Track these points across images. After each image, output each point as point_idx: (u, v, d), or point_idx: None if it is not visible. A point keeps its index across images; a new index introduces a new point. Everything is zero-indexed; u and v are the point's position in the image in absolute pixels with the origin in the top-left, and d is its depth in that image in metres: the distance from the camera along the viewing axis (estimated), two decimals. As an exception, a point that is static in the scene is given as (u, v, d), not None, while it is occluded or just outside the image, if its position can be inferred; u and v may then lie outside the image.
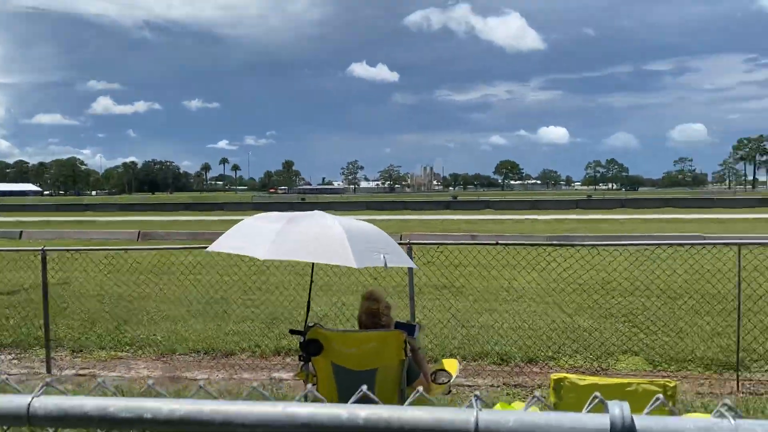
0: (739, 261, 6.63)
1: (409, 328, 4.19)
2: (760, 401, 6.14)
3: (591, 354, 7.47)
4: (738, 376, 6.65)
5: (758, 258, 7.67)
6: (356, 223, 4.15)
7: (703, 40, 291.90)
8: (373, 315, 4.06)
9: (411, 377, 4.04)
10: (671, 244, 9.08)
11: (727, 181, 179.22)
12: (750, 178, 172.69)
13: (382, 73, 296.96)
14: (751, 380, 6.81)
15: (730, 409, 1.15)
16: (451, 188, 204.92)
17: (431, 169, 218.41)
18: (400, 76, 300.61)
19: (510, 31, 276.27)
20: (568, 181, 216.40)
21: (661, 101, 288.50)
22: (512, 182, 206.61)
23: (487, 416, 1.10)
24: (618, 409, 1.08)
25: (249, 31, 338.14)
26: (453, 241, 7.71)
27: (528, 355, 7.43)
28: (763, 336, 7.42)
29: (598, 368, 7.09)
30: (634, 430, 1.06)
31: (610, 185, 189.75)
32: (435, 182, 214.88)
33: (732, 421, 1.06)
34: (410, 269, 6.72)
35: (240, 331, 8.66)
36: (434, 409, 1.12)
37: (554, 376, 3.40)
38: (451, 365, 4.68)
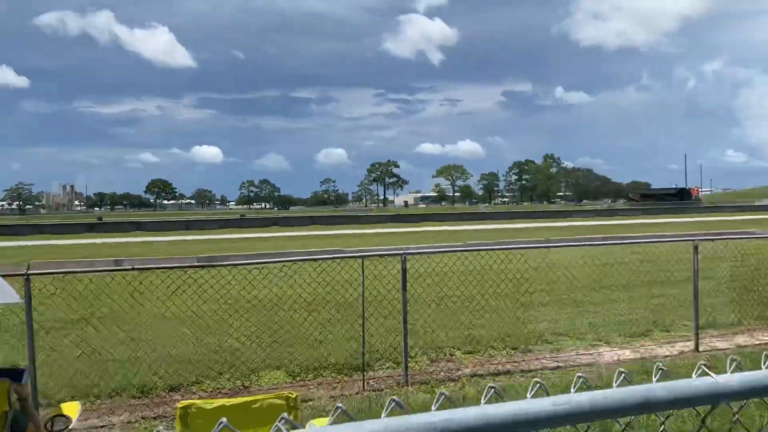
0: (363, 271, 7.45)
1: (14, 374, 3.62)
2: (381, 396, 6.95)
3: (236, 373, 7.53)
4: (364, 375, 7.44)
5: (378, 267, 8.72)
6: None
7: (342, 74, 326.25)
8: None
9: (19, 429, 3.51)
10: (313, 259, 9.78)
11: (364, 200, 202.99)
12: (382, 197, 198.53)
13: (7, 76, 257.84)
14: (375, 378, 7.69)
15: (285, 420, 1.20)
16: (96, 209, 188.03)
17: (72, 187, 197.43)
18: (31, 82, 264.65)
19: (158, 45, 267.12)
20: (223, 201, 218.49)
21: (308, 126, 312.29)
22: (165, 202, 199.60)
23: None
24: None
25: None
26: (84, 270, 6.96)
27: (170, 384, 7.13)
28: (383, 336, 8.45)
29: (242, 387, 7.18)
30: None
31: (263, 204, 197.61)
32: (77, 202, 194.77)
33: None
34: (28, 306, 5.86)
35: None
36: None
37: (180, 404, 3.27)
38: (72, 408, 4.19)
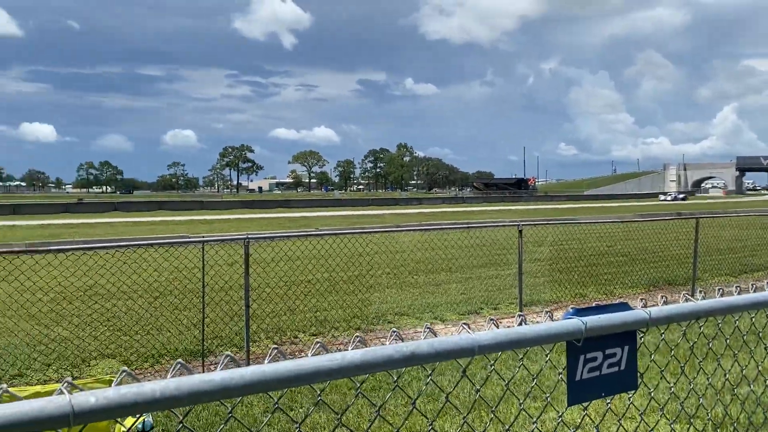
0: (203, 256, 7.36)
1: None
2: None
3: (65, 363, 7.13)
4: (203, 361, 7.37)
5: (219, 253, 8.66)
6: None
7: (192, 52, 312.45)
8: None
9: None
10: (151, 245, 9.44)
11: (216, 185, 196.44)
12: (235, 182, 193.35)
13: None
14: (215, 363, 7.63)
15: (70, 385, 1.27)
16: None
17: None
18: None
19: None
20: (59, 184, 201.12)
21: (154, 106, 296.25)
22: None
23: None
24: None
25: None
26: None
27: (-12, 378, 6.60)
28: (224, 322, 8.40)
29: (70, 377, 6.82)
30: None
31: (104, 188, 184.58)
32: None
33: (68, 396, 1.17)
34: None
35: None
36: None
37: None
38: None
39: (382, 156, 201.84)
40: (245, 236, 7.64)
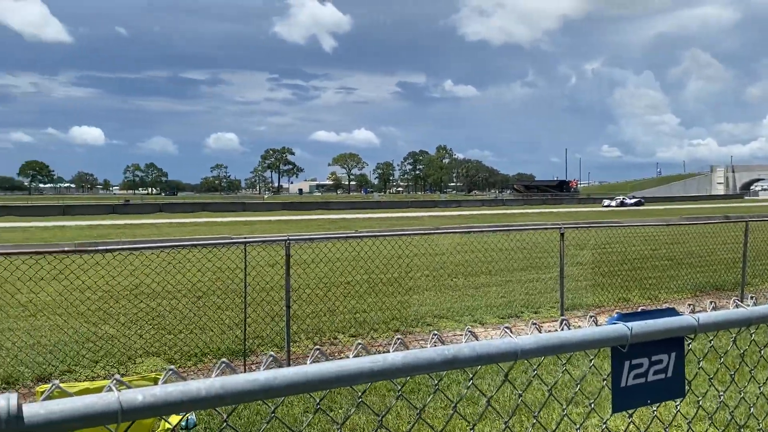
0: (246, 257, 7.46)
1: None
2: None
3: (112, 361, 7.33)
4: (245, 360, 7.48)
5: (261, 254, 8.76)
6: None
7: (234, 56, 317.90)
8: None
9: None
10: (195, 245, 9.63)
11: (257, 187, 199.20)
12: (276, 184, 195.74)
13: None
14: (257, 363, 7.73)
15: (117, 381, 1.31)
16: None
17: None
18: None
19: (30, 16, 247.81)
20: (107, 185, 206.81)
21: (197, 109, 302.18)
22: (42, 185, 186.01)
23: None
24: (4, 401, 1.10)
25: None
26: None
27: (39, 373, 6.82)
28: (265, 322, 8.51)
29: (117, 374, 7.00)
30: (21, 417, 1.10)
31: (149, 190, 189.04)
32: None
33: (116, 393, 1.20)
34: None
35: None
36: None
37: (40, 387, 3.22)
38: None
39: (421, 158, 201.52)
40: (286, 237, 7.72)
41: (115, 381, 1.26)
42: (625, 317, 1.92)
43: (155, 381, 3.41)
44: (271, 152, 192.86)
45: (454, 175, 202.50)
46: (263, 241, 8.33)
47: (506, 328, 1.75)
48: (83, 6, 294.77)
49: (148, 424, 3.27)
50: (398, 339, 1.60)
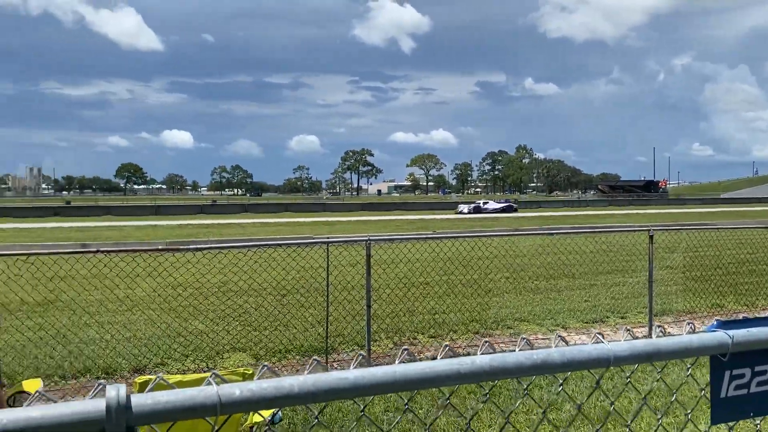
0: (328, 257, 7.60)
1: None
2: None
3: (201, 355, 7.64)
4: (327, 358, 7.62)
5: (343, 254, 8.92)
6: None
7: (315, 60, 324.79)
8: None
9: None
10: (280, 245, 9.91)
11: (337, 188, 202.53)
12: (356, 185, 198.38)
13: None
14: (338, 360, 7.87)
15: (216, 375, 1.36)
16: (65, 192, 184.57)
17: (39, 170, 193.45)
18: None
19: (126, 27, 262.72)
20: (195, 186, 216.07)
21: (280, 112, 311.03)
22: (136, 186, 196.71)
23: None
24: (114, 391, 1.17)
25: None
26: (47, 251, 6.98)
27: (135, 365, 7.21)
28: (346, 321, 8.64)
29: (206, 368, 7.30)
30: (129, 407, 1.17)
31: (235, 191, 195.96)
32: (45, 185, 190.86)
33: (215, 387, 1.26)
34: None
35: None
36: None
37: (139, 378, 3.40)
38: (33, 385, 4.30)
39: (500, 158, 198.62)
40: (367, 238, 7.81)
41: (213, 375, 1.32)
42: (724, 325, 1.82)
43: (243, 376, 3.54)
44: (350, 154, 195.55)
45: (535, 175, 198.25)
46: (345, 241, 8.46)
47: (598, 334, 1.69)
48: (174, 15, 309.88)
49: (238, 417, 3.40)
50: (485, 342, 1.59)
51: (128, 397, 1.18)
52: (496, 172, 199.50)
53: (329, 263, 7.76)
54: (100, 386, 1.34)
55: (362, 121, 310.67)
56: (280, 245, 7.93)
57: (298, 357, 7.93)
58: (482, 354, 1.56)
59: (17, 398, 4.15)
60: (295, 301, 9.54)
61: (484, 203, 64.26)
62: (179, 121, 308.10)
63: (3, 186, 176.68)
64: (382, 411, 5.65)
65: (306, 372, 1.38)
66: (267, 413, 3.68)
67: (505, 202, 68.28)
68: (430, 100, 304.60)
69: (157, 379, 1.40)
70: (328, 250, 7.81)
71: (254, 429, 3.94)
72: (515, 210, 63.07)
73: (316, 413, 1.57)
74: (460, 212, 61.18)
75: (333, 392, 1.35)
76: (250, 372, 3.57)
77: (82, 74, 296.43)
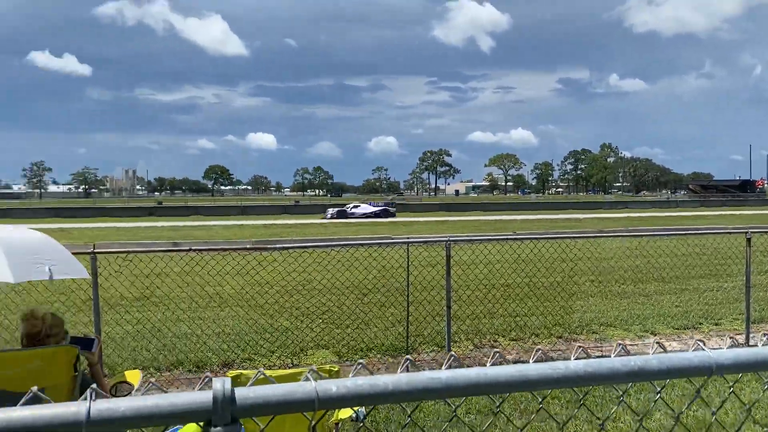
0: (408, 257, 7.64)
1: (85, 342, 3.97)
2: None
3: (286, 351, 7.87)
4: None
5: (423, 254, 8.95)
6: (17, 232, 3.79)
7: (394, 62, 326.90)
8: (35, 336, 3.74)
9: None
10: (358, 245, 10.05)
11: (415, 189, 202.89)
12: (433, 186, 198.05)
13: (71, 64, 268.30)
14: (419, 360, 7.89)
15: (313, 371, 1.41)
16: (157, 193, 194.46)
17: (134, 172, 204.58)
18: (93, 69, 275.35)
19: (213, 34, 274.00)
20: (278, 187, 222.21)
21: (360, 114, 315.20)
22: (223, 187, 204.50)
23: (98, 406, 1.17)
24: (220, 384, 1.24)
25: None
26: (145, 249, 7.40)
27: (224, 360, 7.51)
28: (427, 321, 8.65)
29: (291, 365, 7.51)
30: (234, 399, 1.23)
31: (317, 191, 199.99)
32: (139, 186, 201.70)
33: (313, 383, 1.30)
34: (94, 282, 6.29)
35: None
36: (42, 406, 1.15)
37: (230, 373, 3.55)
38: (134, 376, 4.54)
39: (583, 157, 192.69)
40: (447, 238, 7.80)
41: (311, 371, 1.36)
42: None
43: (329, 373, 3.62)
44: (428, 154, 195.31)
45: (620, 174, 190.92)
46: (425, 242, 8.48)
47: (699, 341, 1.63)
48: (258, 21, 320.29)
49: (318, 415, 3.49)
50: (579, 348, 1.56)
51: (233, 390, 1.24)
52: (579, 172, 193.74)
53: (409, 263, 7.81)
54: (207, 379, 1.43)
55: (440, 121, 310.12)
56: (361, 245, 8.05)
57: (378, 355, 8.01)
58: (576, 359, 1.54)
59: (119, 388, 4.40)
60: (376, 300, 9.64)
61: (354, 207, 56.71)
62: (263, 123, 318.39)
63: (102, 187, 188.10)
64: (464, 413, 5.63)
65: (399, 370, 1.41)
66: (349, 411, 3.75)
67: (383, 205, 59.45)
68: (510, 98, 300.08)
69: (258, 373, 1.46)
70: (408, 250, 7.85)
71: (338, 425, 4.02)
72: (393, 215, 55.15)
73: (409, 412, 1.59)
74: (326, 218, 52.81)
75: (425, 392, 1.37)
76: (336, 369, 3.65)
77: (173, 80, 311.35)
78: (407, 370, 1.47)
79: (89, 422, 1.16)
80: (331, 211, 54.42)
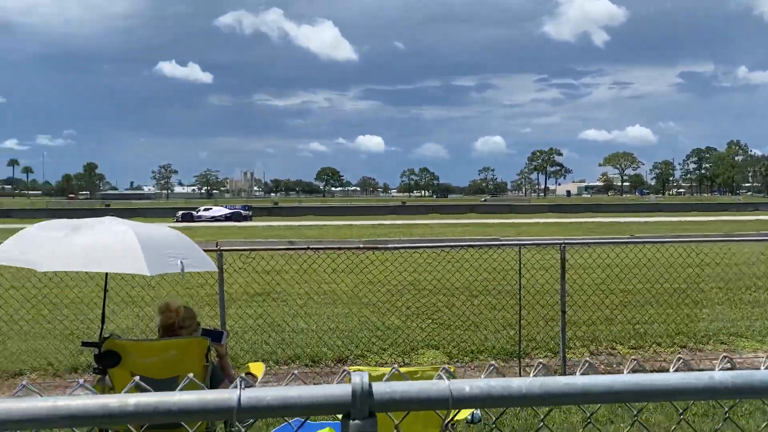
0: (520, 260, 7.50)
1: (215, 334, 4.22)
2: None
3: (397, 350, 7.96)
4: (520, 362, 7.52)
5: (535, 257, 8.73)
6: (154, 228, 4.09)
7: (502, 60, 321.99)
8: (170, 327, 4.03)
9: (216, 383, 4.07)
10: (469, 246, 9.98)
11: (523, 189, 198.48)
12: (543, 186, 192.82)
13: (194, 73, 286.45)
14: (531, 365, 7.72)
15: (447, 372, 1.43)
16: (272, 194, 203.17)
17: (252, 174, 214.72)
18: (214, 77, 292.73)
19: (324, 40, 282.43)
20: (386, 188, 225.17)
21: (466, 114, 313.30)
22: (333, 188, 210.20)
23: (248, 394, 1.25)
24: (358, 378, 1.28)
25: (44, 20, 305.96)
26: (265, 247, 7.76)
27: (338, 356, 7.72)
28: (539, 326, 8.44)
29: (402, 363, 7.59)
30: (371, 393, 1.27)
31: (423, 192, 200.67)
32: (256, 188, 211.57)
33: (446, 382, 1.32)
34: (220, 277, 6.67)
35: (29, 350, 7.93)
36: (200, 392, 1.25)
37: (350, 368, 3.65)
38: (258, 368, 4.77)
39: (707, 155, 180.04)
40: (562, 241, 7.57)
41: (444, 370, 1.38)
42: None
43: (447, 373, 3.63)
44: (537, 153, 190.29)
45: (750, 174, 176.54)
46: (537, 244, 8.29)
47: None
48: (367, 26, 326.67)
49: (441, 413, 3.50)
50: (725, 357, 1.48)
51: (370, 385, 1.28)
52: (703, 171, 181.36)
53: (521, 266, 7.65)
54: (345, 373, 1.48)
55: (550, 119, 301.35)
56: (472, 246, 8.00)
57: (489, 358, 7.92)
58: (721, 369, 1.45)
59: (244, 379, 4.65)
60: (487, 303, 9.54)
61: (205, 209, 53.62)
62: (372, 126, 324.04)
63: (222, 188, 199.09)
64: (579, 421, 5.44)
65: (532, 374, 1.39)
66: (467, 412, 3.74)
67: (241, 208, 55.16)
68: (626, 94, 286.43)
69: (393, 370, 1.50)
70: (520, 252, 7.69)
71: (449, 425, 4.01)
72: (246, 218, 51.47)
73: (542, 417, 1.57)
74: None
75: (560, 397, 1.34)
76: (452, 370, 3.65)
77: (287, 86, 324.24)
78: (495, 375, 1.45)
79: (240, 409, 1.24)
80: (178, 214, 52.31)
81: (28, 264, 3.59)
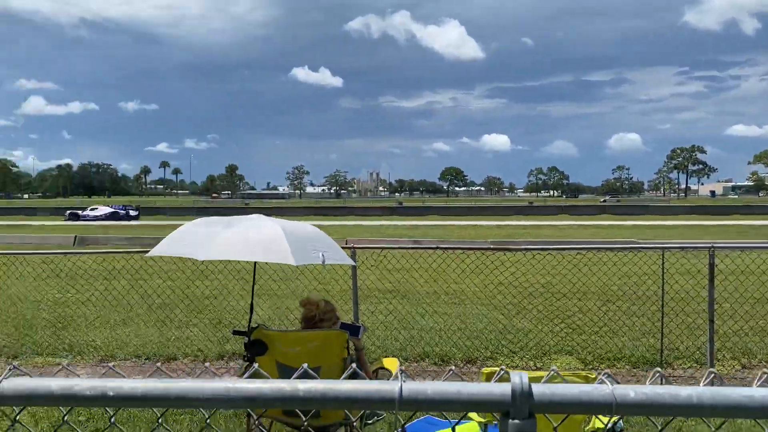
0: (663, 264, 7.07)
1: (353, 328, 4.38)
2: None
3: (527, 354, 7.79)
4: (663, 372, 7.09)
5: (680, 261, 8.17)
6: (296, 225, 4.34)
7: (639, 53, 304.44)
8: (311, 319, 4.24)
9: (354, 375, 4.21)
10: (605, 249, 9.55)
11: (661, 189, 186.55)
12: (683, 186, 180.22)
13: (326, 78, 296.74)
14: (673, 376, 7.25)
15: (609, 376, 1.38)
16: (397, 194, 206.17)
17: (377, 174, 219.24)
18: (344, 81, 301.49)
19: (450, 39, 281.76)
20: (512, 188, 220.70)
21: (599, 111, 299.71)
22: (457, 188, 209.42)
23: (409, 386, 1.29)
24: (518, 378, 1.28)
25: (189, 31, 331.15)
26: (396, 246, 7.90)
27: (467, 356, 7.69)
28: (684, 335, 7.90)
29: (534, 367, 7.42)
30: (531, 394, 1.27)
31: (551, 192, 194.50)
32: (381, 188, 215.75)
33: (610, 386, 1.28)
34: (353, 273, 6.90)
35: (182, 337, 8.63)
36: (363, 382, 1.30)
37: (485, 370, 3.63)
38: (392, 364, 4.88)
39: None
40: (710, 245, 7.05)
41: (605, 375, 1.34)
42: None
43: (586, 379, 3.51)
44: (678, 151, 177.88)
45: None
46: (683, 248, 7.77)
47: None
48: (494, 23, 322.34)
49: (580, 420, 3.39)
50: None
51: (530, 385, 1.28)
52: None
53: (664, 270, 7.21)
54: (502, 371, 1.48)
55: (692, 114, 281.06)
56: (611, 249, 7.64)
57: (627, 367, 7.53)
58: None
59: (379, 374, 4.77)
60: (625, 308, 9.07)
61: (92, 209, 54.59)
62: (498, 124, 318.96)
63: (350, 188, 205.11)
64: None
65: (702, 383, 1.32)
66: (605, 419, 3.59)
67: (121, 208, 55.29)
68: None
69: (552, 372, 1.48)
70: (663, 256, 7.27)
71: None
72: (131, 218, 52.60)
73: (659, 428, 1.48)
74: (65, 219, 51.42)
75: (734, 409, 1.26)
76: (593, 376, 3.52)
77: (413, 87, 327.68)
78: (660, 383, 1.37)
79: (401, 401, 1.28)
80: (67, 213, 54.02)
81: (188, 255, 3.95)
